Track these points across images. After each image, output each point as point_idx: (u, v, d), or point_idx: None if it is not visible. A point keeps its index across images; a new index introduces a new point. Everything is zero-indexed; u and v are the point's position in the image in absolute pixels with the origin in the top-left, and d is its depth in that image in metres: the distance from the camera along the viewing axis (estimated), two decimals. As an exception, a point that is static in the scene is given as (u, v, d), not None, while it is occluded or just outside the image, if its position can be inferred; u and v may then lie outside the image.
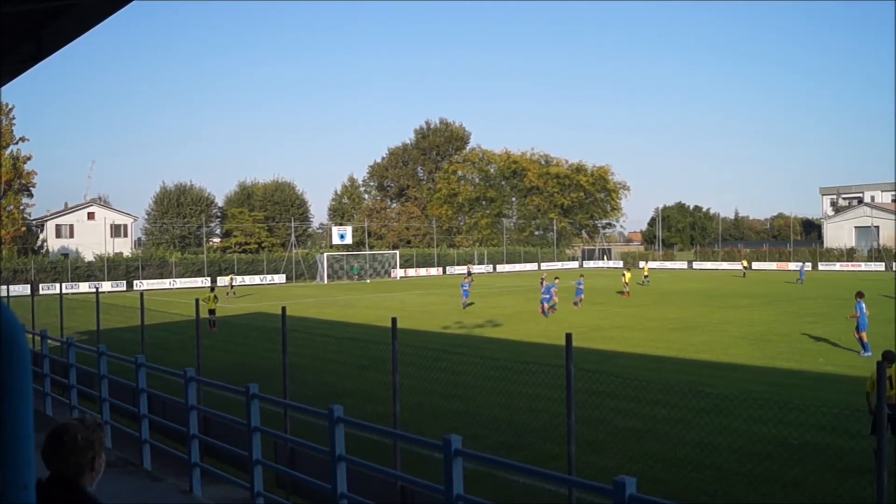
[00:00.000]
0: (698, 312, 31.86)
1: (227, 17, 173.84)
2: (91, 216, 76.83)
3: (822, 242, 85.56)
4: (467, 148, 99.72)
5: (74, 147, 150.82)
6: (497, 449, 10.43)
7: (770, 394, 13.81)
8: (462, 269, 70.10)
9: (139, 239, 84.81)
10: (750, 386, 15.01)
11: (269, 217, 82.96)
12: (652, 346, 21.57)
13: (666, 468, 9.98)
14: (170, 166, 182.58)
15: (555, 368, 9.07)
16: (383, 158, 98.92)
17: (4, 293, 28.91)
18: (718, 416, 11.43)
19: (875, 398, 9.31)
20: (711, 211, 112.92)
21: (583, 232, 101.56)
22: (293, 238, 77.56)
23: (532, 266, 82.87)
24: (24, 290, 42.93)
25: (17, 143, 63.38)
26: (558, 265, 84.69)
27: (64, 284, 47.37)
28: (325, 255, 68.36)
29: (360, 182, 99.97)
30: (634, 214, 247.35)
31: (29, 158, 64.29)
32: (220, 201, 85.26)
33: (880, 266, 68.07)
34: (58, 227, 76.43)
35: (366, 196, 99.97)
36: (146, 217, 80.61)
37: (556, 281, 33.69)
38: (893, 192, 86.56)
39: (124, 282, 58.91)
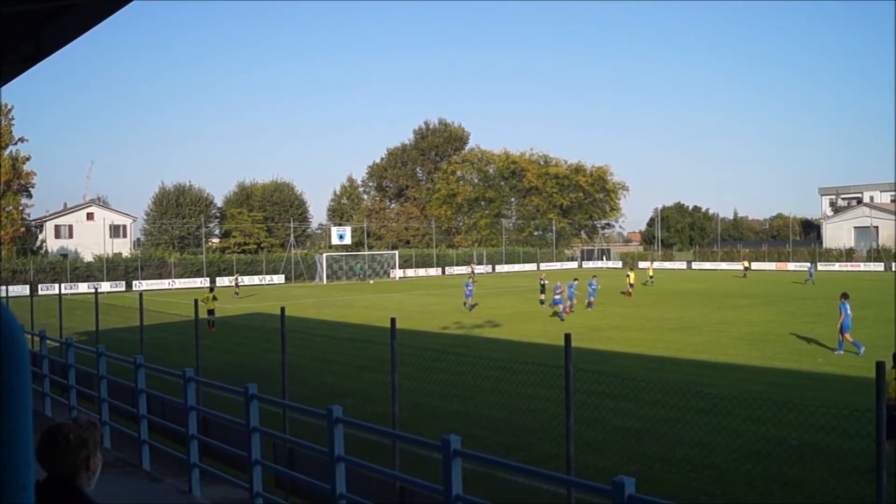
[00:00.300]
0: (697, 313, 31.87)
1: (227, 17, 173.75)
2: (90, 217, 76.82)
3: (821, 243, 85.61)
4: (466, 148, 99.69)
5: (73, 147, 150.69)
6: (496, 449, 10.42)
7: (769, 394, 13.82)
8: (465, 270, 69.96)
9: (138, 239, 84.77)
10: (749, 386, 15.02)
11: (269, 217, 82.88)
12: (651, 347, 21.58)
13: (665, 468, 10.00)
14: (169, 167, 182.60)
15: (554, 369, 9.07)
16: (382, 159, 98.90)
17: (3, 294, 28.89)
18: (717, 417, 11.44)
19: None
20: (710, 211, 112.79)
21: (582, 232, 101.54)
22: (292, 238, 77.55)
23: (531, 266, 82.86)
24: (23, 290, 42.99)
25: (16, 143, 63.30)
26: (557, 265, 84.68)
27: (63, 285, 47.19)
28: (325, 255, 68.39)
29: (359, 182, 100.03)
30: (633, 215, 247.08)
31: (28, 159, 64.27)
32: (219, 202, 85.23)
33: (879, 266, 68.13)
34: (57, 228, 76.40)
35: (365, 196, 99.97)
36: (145, 217, 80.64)
37: (575, 282, 33.29)
38: (893, 193, 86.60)
39: (123, 282, 58.88)
